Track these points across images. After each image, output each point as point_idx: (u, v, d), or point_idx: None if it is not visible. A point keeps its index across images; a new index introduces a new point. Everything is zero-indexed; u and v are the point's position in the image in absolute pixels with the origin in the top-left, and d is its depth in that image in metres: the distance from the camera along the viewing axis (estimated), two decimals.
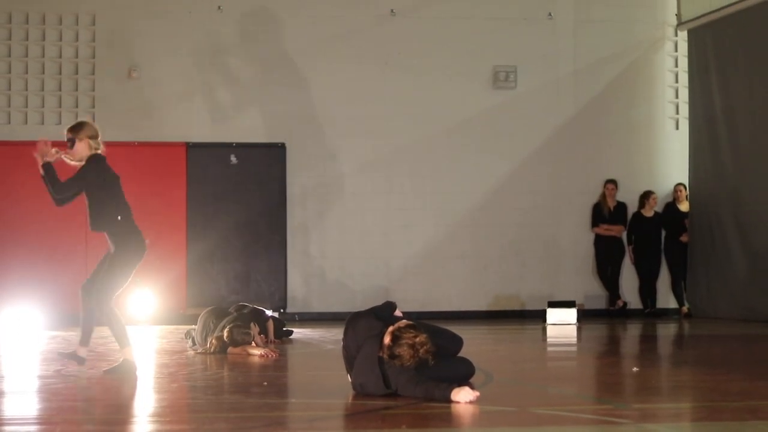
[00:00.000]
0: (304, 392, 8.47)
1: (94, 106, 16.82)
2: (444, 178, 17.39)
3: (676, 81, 17.95)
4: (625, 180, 17.67)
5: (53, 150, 9.29)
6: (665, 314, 17.51)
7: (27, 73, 16.78)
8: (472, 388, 7.34)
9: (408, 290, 16.99)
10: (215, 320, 11.38)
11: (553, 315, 15.38)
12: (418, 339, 7.38)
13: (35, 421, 7.00)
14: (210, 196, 16.77)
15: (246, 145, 16.92)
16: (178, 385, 8.78)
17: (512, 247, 17.52)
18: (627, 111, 17.86)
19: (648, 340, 13.84)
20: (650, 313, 17.40)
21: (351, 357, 7.75)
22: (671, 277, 17.65)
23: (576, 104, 17.76)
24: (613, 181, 17.58)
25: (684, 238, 17.51)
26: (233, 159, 16.84)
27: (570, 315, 15.35)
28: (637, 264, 17.67)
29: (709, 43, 17.05)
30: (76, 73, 16.85)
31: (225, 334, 11.01)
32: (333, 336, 12.87)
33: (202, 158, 16.78)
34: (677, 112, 17.94)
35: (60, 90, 16.80)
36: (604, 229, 17.59)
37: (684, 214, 17.56)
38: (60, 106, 16.76)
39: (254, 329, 11.26)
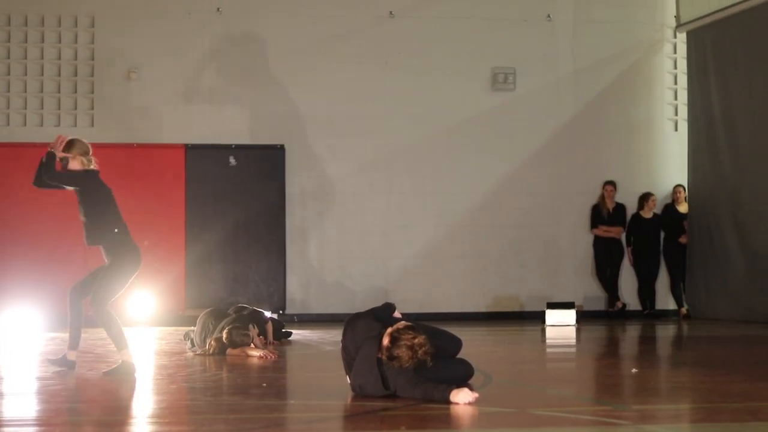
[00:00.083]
0: (303, 393, 8.46)
1: (93, 108, 16.82)
2: (444, 178, 17.40)
3: (675, 82, 17.96)
4: (624, 181, 17.67)
5: (63, 155, 9.36)
6: (664, 315, 17.51)
7: (26, 74, 16.79)
8: (471, 389, 7.34)
9: (407, 291, 17.00)
10: (214, 321, 11.38)
11: (552, 316, 15.38)
12: (416, 340, 7.38)
13: (34, 423, 7.00)
14: (209, 198, 16.77)
15: (245, 146, 16.92)
16: (177, 386, 8.77)
17: (512, 247, 17.52)
18: (626, 112, 17.87)
19: (647, 342, 13.83)
20: (649, 314, 17.41)
21: (350, 358, 7.74)
22: (670, 278, 17.65)
23: (575, 105, 17.77)
24: (612, 183, 17.59)
25: (683, 240, 17.51)
26: (232, 160, 16.84)
27: (569, 316, 15.35)
28: (636, 265, 17.68)
29: (708, 45, 17.06)
30: (75, 75, 16.85)
31: (224, 335, 11.01)
32: (332, 337, 12.87)
33: (201, 160, 16.78)
34: (676, 114, 17.95)
35: (59, 92, 16.80)
36: (603, 231, 17.60)
37: (683, 216, 17.57)
38: (59, 108, 16.76)
39: (253, 331, 11.26)
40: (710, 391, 8.05)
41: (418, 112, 17.35)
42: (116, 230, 9.37)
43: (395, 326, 7.52)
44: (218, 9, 17.05)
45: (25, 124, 16.70)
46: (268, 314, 12.67)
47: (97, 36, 16.88)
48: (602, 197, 17.61)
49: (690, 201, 17.50)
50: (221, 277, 16.72)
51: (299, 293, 17.06)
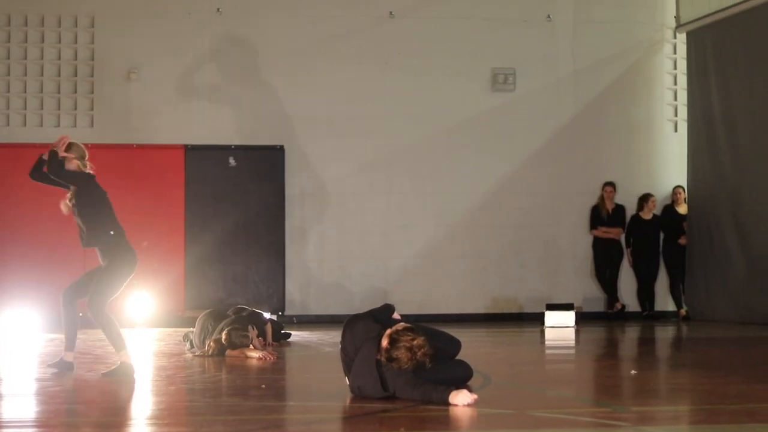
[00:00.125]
0: (302, 395, 8.46)
1: (92, 109, 16.82)
2: (444, 178, 17.40)
3: (675, 83, 17.95)
4: (624, 182, 17.67)
5: (65, 155, 9.41)
6: (663, 317, 17.50)
7: (26, 75, 16.78)
8: (470, 390, 7.34)
9: (407, 291, 17.00)
10: (213, 323, 11.38)
11: (552, 318, 15.38)
12: (415, 342, 7.38)
13: (33, 424, 6.99)
14: (208, 198, 16.77)
15: (244, 147, 16.91)
16: (176, 387, 8.77)
17: (512, 247, 17.52)
18: (626, 113, 17.87)
19: (646, 343, 13.83)
20: (648, 315, 17.40)
21: (349, 360, 7.74)
22: (669, 279, 17.64)
23: (575, 106, 17.76)
24: (611, 184, 17.58)
25: (682, 241, 17.51)
26: (232, 161, 16.84)
27: (568, 318, 15.36)
28: (636, 267, 17.67)
29: (708, 46, 17.06)
30: (75, 75, 16.85)
31: (223, 336, 11.00)
32: (331, 339, 12.86)
33: (201, 160, 16.78)
34: (676, 114, 17.95)
35: (59, 92, 16.80)
36: (603, 232, 17.59)
37: (682, 217, 17.56)
38: (59, 109, 16.76)
39: (252, 332, 11.25)
40: (709, 393, 8.05)
41: (418, 113, 17.35)
42: (112, 232, 9.40)
43: (394, 328, 7.52)
44: (218, 9, 17.05)
45: (24, 125, 16.70)
46: (267, 315, 12.67)
47: (97, 36, 16.88)
48: (602, 198, 17.61)
49: (690, 202, 17.49)
50: (220, 278, 16.72)
51: (298, 294, 17.05)
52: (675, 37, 17.99)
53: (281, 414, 7.40)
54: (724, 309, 16.51)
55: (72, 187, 9.49)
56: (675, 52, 17.98)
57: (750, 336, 14.10)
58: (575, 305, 16.07)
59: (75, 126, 16.49)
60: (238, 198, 16.82)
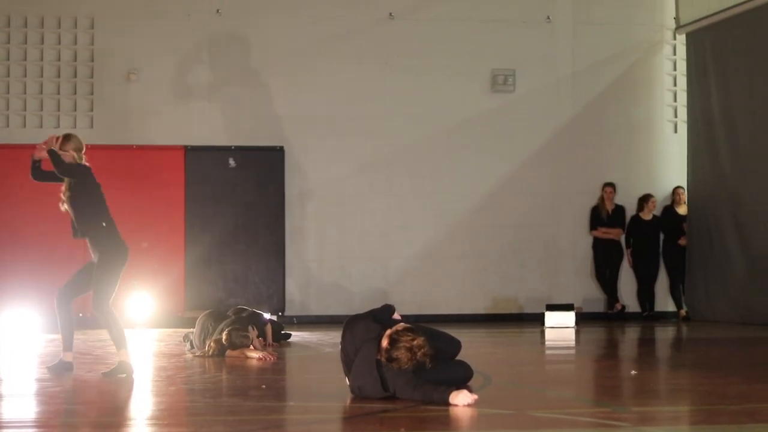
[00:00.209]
0: (302, 395, 8.46)
1: (92, 110, 16.82)
2: (443, 178, 17.40)
3: (675, 84, 17.96)
4: (624, 183, 17.67)
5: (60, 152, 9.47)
6: (663, 317, 17.50)
7: (26, 76, 16.79)
8: (470, 391, 7.34)
9: (407, 292, 17.00)
10: (213, 323, 11.38)
11: (552, 318, 15.38)
12: (415, 342, 7.38)
13: (33, 425, 6.99)
14: (208, 199, 16.77)
15: (244, 148, 16.92)
16: (176, 388, 8.77)
17: (511, 247, 17.52)
18: (626, 113, 17.87)
19: (646, 343, 13.83)
20: (648, 316, 17.40)
21: (349, 360, 7.74)
22: (669, 280, 17.64)
23: (575, 106, 17.77)
24: (611, 185, 17.59)
25: (682, 242, 17.51)
26: (231, 162, 16.84)
27: (568, 318, 15.36)
28: (636, 267, 17.67)
29: (707, 47, 17.06)
30: (75, 77, 16.86)
31: (223, 337, 11.00)
32: (331, 339, 12.86)
33: (201, 161, 16.78)
34: (676, 115, 17.95)
35: (59, 93, 16.80)
36: (603, 233, 17.59)
37: (682, 217, 17.57)
38: (59, 110, 16.76)
39: (252, 332, 11.25)
40: (709, 393, 8.05)
41: (418, 113, 17.36)
42: (104, 224, 9.46)
43: (394, 328, 7.52)
44: (218, 10, 17.05)
45: (24, 126, 16.70)
46: (267, 316, 12.67)
47: (97, 37, 16.88)
48: (601, 199, 17.61)
49: (690, 202, 17.49)
50: (220, 279, 16.72)
51: (298, 295, 17.05)
52: (674, 38, 17.99)
53: (281, 414, 7.40)
54: (724, 309, 16.51)
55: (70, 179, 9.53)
56: (675, 53, 17.98)
57: (750, 336, 14.10)
58: (575, 306, 16.06)
59: (75, 127, 16.48)
60: (237, 198, 16.82)
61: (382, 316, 7.96)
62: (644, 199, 17.58)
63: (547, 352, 12.68)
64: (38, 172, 9.62)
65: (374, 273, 17.18)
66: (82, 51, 16.86)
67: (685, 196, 17.59)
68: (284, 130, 17.06)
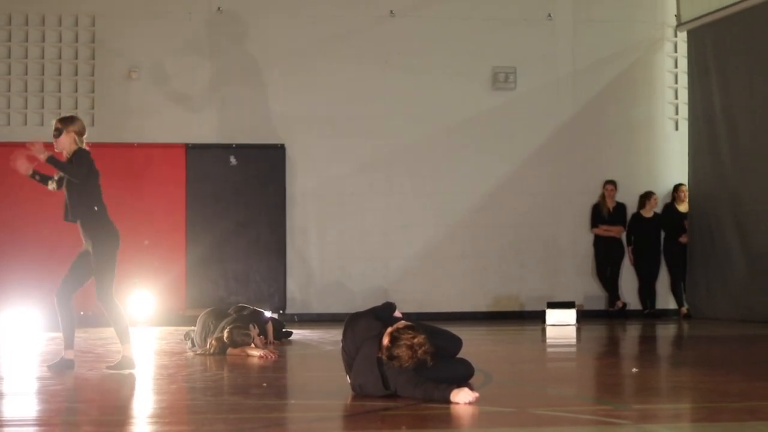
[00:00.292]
0: (304, 393, 8.46)
1: (93, 108, 16.82)
2: (444, 178, 17.40)
3: (676, 82, 17.95)
4: (625, 180, 17.67)
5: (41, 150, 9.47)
6: (664, 315, 17.51)
7: (27, 74, 16.79)
8: (471, 388, 7.34)
9: (407, 291, 17.00)
10: (215, 321, 11.38)
11: (553, 316, 15.38)
12: (416, 340, 7.38)
13: (34, 423, 7.00)
14: (209, 197, 16.78)
15: (245, 146, 16.92)
16: (177, 386, 8.77)
17: (512, 247, 17.52)
18: (626, 112, 17.87)
19: (647, 341, 13.83)
20: (649, 314, 17.40)
21: (350, 358, 7.74)
22: (670, 278, 17.65)
23: (575, 105, 17.77)
24: (612, 182, 17.59)
25: (683, 239, 17.51)
26: (232, 160, 16.85)
27: (569, 316, 15.35)
28: (637, 265, 17.67)
29: (708, 44, 17.05)
30: (76, 75, 16.86)
31: (225, 335, 11.00)
32: (332, 337, 12.87)
33: (202, 159, 16.79)
34: (677, 113, 17.95)
35: (59, 91, 16.80)
36: (604, 230, 17.60)
37: (683, 215, 17.56)
38: (59, 108, 16.75)
39: (253, 331, 11.26)
40: (710, 391, 8.05)
41: (418, 112, 17.36)
42: (96, 208, 9.53)
43: (395, 326, 7.52)
44: (218, 9, 17.06)
45: (25, 124, 16.70)
46: (268, 314, 12.66)
47: (98, 35, 16.89)
48: (602, 196, 17.61)
49: (690, 200, 17.49)
50: (221, 277, 16.72)
51: (299, 293, 17.06)
52: (675, 36, 17.99)
53: (282, 412, 7.40)
54: (725, 307, 16.51)
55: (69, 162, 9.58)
56: (676, 51, 17.98)
57: (751, 334, 14.10)
58: (576, 303, 16.06)
59: None
60: (239, 197, 16.82)
61: (383, 313, 7.96)
62: (646, 197, 17.58)
63: (548, 349, 12.68)
64: (54, 182, 9.64)
65: (374, 272, 17.18)
66: (83, 49, 16.87)
67: (687, 194, 17.58)
68: (284, 129, 17.06)
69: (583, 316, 16.07)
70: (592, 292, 17.65)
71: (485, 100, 17.53)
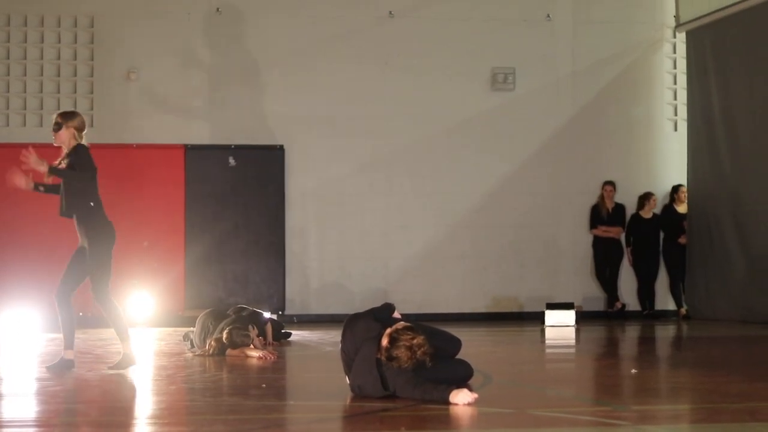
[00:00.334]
0: (303, 394, 8.46)
1: (92, 109, 16.81)
2: (443, 178, 17.40)
3: (675, 82, 17.96)
4: (624, 181, 17.67)
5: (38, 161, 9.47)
6: (664, 316, 17.51)
7: (25, 75, 16.79)
8: (471, 389, 7.34)
9: (407, 291, 16.99)
10: (214, 322, 11.38)
11: (552, 317, 15.38)
12: (415, 341, 7.37)
13: (34, 424, 6.99)
14: (208, 198, 16.77)
15: (244, 147, 16.92)
16: (176, 387, 8.77)
17: (511, 247, 17.52)
18: (626, 112, 17.87)
19: (646, 342, 13.83)
20: (649, 314, 17.40)
21: (349, 359, 7.74)
22: (670, 278, 17.65)
23: (575, 105, 17.77)
24: (611, 183, 17.59)
25: (682, 240, 17.51)
26: (232, 161, 16.84)
27: (568, 317, 15.35)
28: (636, 266, 17.67)
29: (707, 45, 17.06)
30: (75, 75, 16.86)
31: (224, 336, 11.00)
32: (331, 338, 12.87)
33: (201, 160, 16.78)
34: (676, 114, 17.95)
35: (58, 92, 16.80)
36: (603, 231, 17.60)
37: (682, 216, 17.56)
38: (58, 109, 16.61)
39: (253, 331, 11.25)
40: (710, 392, 8.05)
41: (418, 113, 17.36)
42: (92, 204, 9.55)
43: (394, 327, 7.51)
44: (218, 9, 17.06)
45: (24, 125, 16.71)
46: (267, 315, 12.67)
47: (97, 36, 16.89)
48: (602, 197, 17.61)
49: (690, 201, 17.49)
50: (220, 278, 16.72)
51: (299, 294, 17.05)
52: (675, 37, 17.99)
53: (282, 413, 7.39)
54: (725, 308, 16.51)
55: (67, 159, 9.57)
56: (675, 52, 17.98)
57: (750, 335, 14.11)
58: (575, 304, 16.06)
59: None
60: (238, 198, 16.82)
61: (382, 314, 7.96)
62: (645, 198, 17.58)
63: (548, 350, 12.67)
64: (51, 187, 9.67)
65: (374, 273, 17.18)
66: (82, 50, 16.87)
67: (686, 195, 17.58)
68: (284, 129, 17.06)
69: (582, 317, 16.07)
70: (592, 293, 17.65)
71: (485, 101, 17.53)
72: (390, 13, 17.38)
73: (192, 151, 16.79)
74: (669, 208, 17.69)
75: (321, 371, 10.03)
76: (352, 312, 8.19)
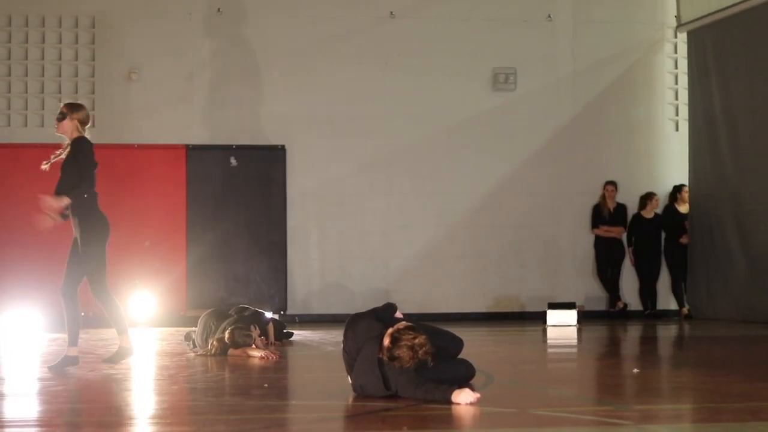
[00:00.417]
0: (305, 394, 8.46)
1: (93, 109, 16.80)
2: (444, 178, 17.40)
3: (676, 82, 17.96)
4: (625, 181, 17.67)
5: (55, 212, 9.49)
6: (665, 316, 17.51)
7: (27, 75, 16.79)
8: (473, 389, 7.34)
9: (408, 291, 17.00)
10: (216, 322, 11.38)
11: (553, 316, 15.37)
12: (417, 340, 7.37)
13: (35, 423, 7.00)
14: (210, 198, 16.78)
15: (245, 147, 16.92)
16: (178, 387, 8.77)
17: (512, 247, 17.53)
18: (626, 112, 17.88)
19: (648, 342, 13.83)
20: (650, 314, 17.41)
21: (351, 359, 7.74)
22: (671, 278, 17.65)
23: (575, 106, 17.77)
24: (612, 183, 17.59)
25: (684, 240, 17.51)
26: (233, 161, 16.85)
27: (570, 316, 15.35)
28: (637, 265, 17.68)
29: (708, 45, 17.06)
30: (76, 76, 16.86)
31: (226, 335, 11.00)
32: (333, 338, 12.87)
33: (202, 160, 16.79)
34: (677, 114, 17.95)
35: (60, 92, 16.80)
36: (604, 231, 17.60)
37: (684, 216, 17.57)
38: None
39: (255, 331, 11.26)
40: (711, 392, 8.04)
41: (418, 113, 17.36)
42: (86, 195, 9.58)
43: (396, 326, 7.51)
44: (218, 9, 17.06)
45: (26, 125, 16.71)
46: (269, 315, 12.67)
47: (98, 36, 16.89)
48: (603, 197, 17.62)
49: (691, 201, 17.49)
50: (222, 278, 16.73)
51: (300, 294, 17.06)
52: (676, 37, 18.00)
53: (284, 413, 7.39)
54: (726, 308, 16.51)
55: (68, 150, 9.59)
56: (676, 52, 17.98)
57: (752, 335, 14.11)
58: (577, 304, 16.06)
59: None
60: (239, 198, 16.83)
61: (384, 314, 7.96)
62: (647, 197, 17.58)
63: (549, 350, 12.67)
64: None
65: (375, 273, 17.18)
66: (83, 50, 16.87)
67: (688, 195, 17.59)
68: (285, 129, 17.07)
69: (583, 317, 16.07)
70: (593, 293, 17.65)
71: (485, 101, 17.53)
72: (390, 13, 17.38)
73: (193, 151, 16.80)
74: (670, 208, 17.70)
75: (323, 371, 10.03)
76: (353, 312, 8.20)
